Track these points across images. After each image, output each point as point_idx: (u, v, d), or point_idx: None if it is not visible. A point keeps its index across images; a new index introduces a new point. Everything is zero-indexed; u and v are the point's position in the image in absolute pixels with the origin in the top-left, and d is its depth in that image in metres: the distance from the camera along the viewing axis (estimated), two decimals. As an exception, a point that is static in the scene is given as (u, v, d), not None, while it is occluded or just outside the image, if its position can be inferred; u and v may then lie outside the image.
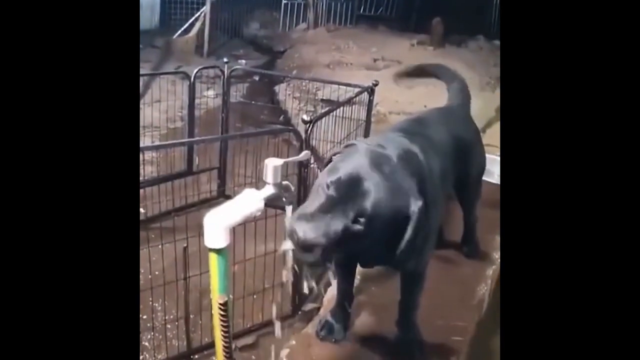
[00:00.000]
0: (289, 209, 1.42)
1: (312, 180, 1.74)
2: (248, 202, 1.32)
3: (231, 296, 2.41)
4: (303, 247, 1.26)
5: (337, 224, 1.28)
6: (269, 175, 1.35)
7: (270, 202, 1.37)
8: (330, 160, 1.46)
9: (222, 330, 1.38)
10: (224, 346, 1.40)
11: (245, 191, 1.35)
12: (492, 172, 3.10)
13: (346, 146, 1.50)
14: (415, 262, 1.66)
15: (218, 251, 1.29)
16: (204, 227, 1.28)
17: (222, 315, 1.36)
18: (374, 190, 1.31)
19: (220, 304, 1.35)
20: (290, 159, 1.41)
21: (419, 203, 1.38)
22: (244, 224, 1.69)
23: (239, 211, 1.30)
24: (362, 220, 1.30)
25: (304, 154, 1.55)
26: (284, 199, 1.39)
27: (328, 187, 1.33)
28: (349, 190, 1.31)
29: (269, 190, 1.36)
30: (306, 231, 1.25)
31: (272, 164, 1.35)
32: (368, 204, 1.30)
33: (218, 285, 1.34)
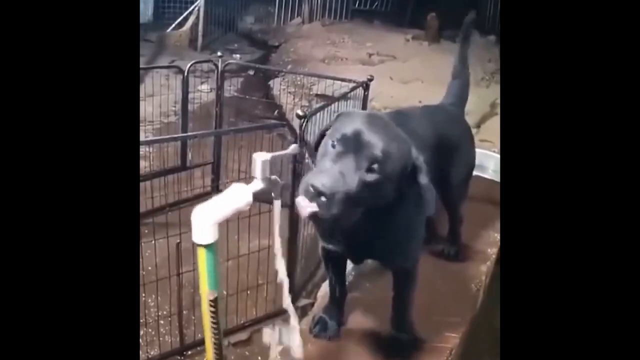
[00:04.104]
0: (277, 203, 1.41)
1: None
2: (236, 196, 1.30)
3: (225, 292, 2.43)
4: (322, 196, 1.25)
5: (351, 175, 1.29)
6: (257, 170, 1.34)
7: (259, 197, 1.36)
8: (321, 137, 1.45)
9: (212, 328, 1.37)
10: (214, 344, 1.38)
11: (233, 185, 1.33)
12: (487, 168, 3.10)
13: (336, 117, 1.49)
14: (404, 257, 1.64)
15: (206, 246, 1.28)
16: (191, 223, 1.27)
17: (212, 312, 1.35)
18: (379, 139, 1.33)
19: (210, 300, 1.34)
20: (278, 153, 1.40)
21: (420, 154, 1.42)
22: (238, 219, 1.67)
23: (227, 206, 1.29)
24: (375, 167, 1.31)
25: (292, 148, 1.54)
26: (272, 194, 1.38)
27: (334, 145, 1.34)
28: (356, 142, 1.32)
29: (257, 184, 1.34)
30: (323, 181, 1.25)
31: (260, 159, 1.34)
32: (377, 151, 1.32)
33: (207, 281, 1.32)
